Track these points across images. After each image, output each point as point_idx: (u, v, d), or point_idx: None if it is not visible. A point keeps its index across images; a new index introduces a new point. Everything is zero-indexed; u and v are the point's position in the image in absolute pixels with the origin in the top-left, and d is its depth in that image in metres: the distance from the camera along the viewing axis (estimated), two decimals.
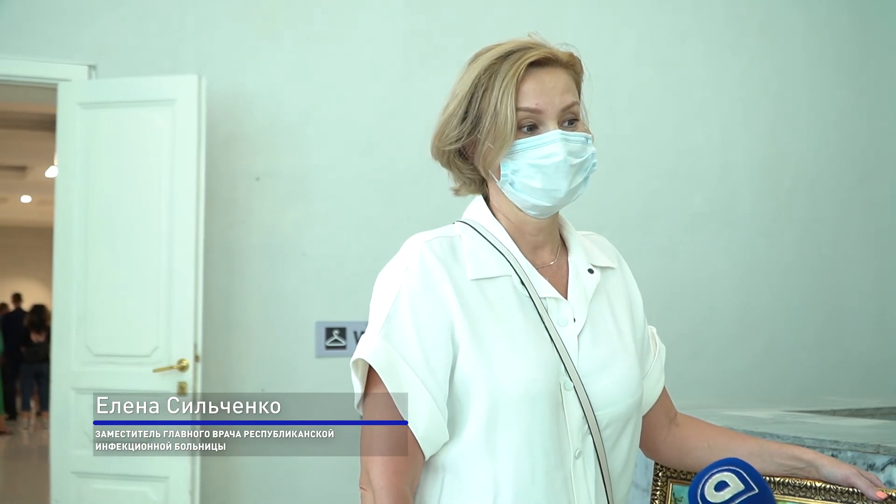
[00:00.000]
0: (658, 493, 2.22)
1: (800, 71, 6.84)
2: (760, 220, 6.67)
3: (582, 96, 2.05)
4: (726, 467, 1.86)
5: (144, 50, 5.71)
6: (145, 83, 5.45)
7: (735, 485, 1.82)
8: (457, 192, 2.12)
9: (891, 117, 6.99)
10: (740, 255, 6.61)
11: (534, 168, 1.92)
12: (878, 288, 6.82)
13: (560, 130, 1.92)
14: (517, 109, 1.91)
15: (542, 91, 1.93)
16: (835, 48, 6.93)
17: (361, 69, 6.03)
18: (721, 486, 1.83)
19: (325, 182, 5.90)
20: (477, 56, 1.99)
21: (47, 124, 8.09)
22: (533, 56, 1.93)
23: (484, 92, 1.93)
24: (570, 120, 1.96)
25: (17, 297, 17.99)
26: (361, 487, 1.89)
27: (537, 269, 2.01)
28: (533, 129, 1.93)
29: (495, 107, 1.91)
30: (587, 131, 2.00)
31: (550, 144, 1.92)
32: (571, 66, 2.00)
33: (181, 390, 5.27)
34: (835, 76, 6.91)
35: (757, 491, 1.82)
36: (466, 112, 1.96)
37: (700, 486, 1.86)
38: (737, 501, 1.81)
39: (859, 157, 6.91)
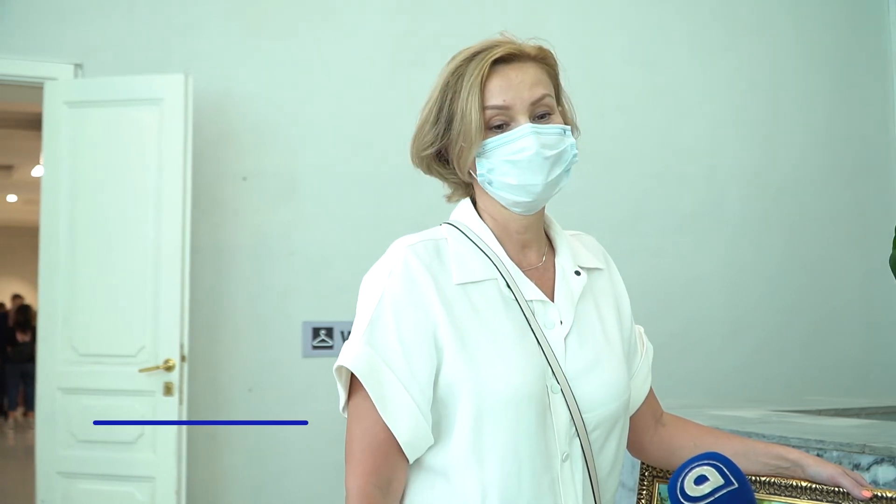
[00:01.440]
0: (644, 492, 2.22)
1: (787, 72, 6.85)
2: (749, 221, 6.68)
3: (562, 89, 2.05)
4: (706, 461, 1.86)
5: (131, 49, 5.70)
6: (132, 82, 5.44)
7: (715, 479, 1.82)
8: (449, 198, 2.12)
9: (878, 119, 7.01)
10: (729, 255, 6.62)
11: (508, 164, 1.92)
12: (866, 288, 6.84)
13: (531, 124, 1.92)
14: (484, 108, 1.91)
15: (508, 87, 1.92)
16: (822, 50, 6.95)
17: (349, 69, 6.02)
18: (701, 479, 1.83)
19: (312, 182, 5.90)
20: (452, 58, 1.99)
21: (33, 123, 8.06)
22: (497, 53, 1.93)
23: (453, 94, 1.93)
24: (542, 114, 1.95)
25: (16, 298, 17.96)
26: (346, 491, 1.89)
27: (524, 271, 2.00)
28: (504, 126, 1.93)
29: (463, 108, 1.91)
30: (566, 122, 2.00)
31: (521, 139, 1.91)
32: (542, 60, 1.99)
33: (167, 390, 5.27)
34: (823, 78, 6.93)
35: (736, 485, 1.82)
36: (438, 116, 1.96)
37: (680, 480, 1.85)
38: (716, 495, 1.81)
39: (847, 158, 6.92)
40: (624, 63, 6.54)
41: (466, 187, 2.07)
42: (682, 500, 1.83)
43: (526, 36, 2.01)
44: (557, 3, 6.45)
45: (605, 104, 6.41)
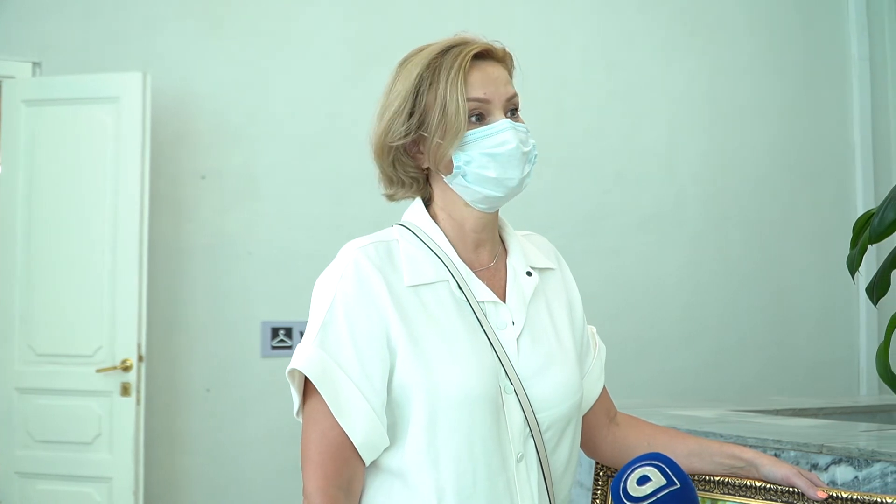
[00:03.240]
0: (599, 492, 2.22)
1: (747, 74, 6.88)
2: (708, 221, 6.71)
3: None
4: (648, 462, 1.86)
5: (90, 47, 5.66)
6: (90, 81, 5.41)
7: (657, 479, 1.82)
8: (391, 197, 2.10)
9: (835, 118, 7.05)
10: (688, 256, 6.64)
11: (487, 157, 1.93)
12: (823, 288, 6.87)
13: (508, 119, 1.94)
14: (467, 100, 1.92)
15: (488, 81, 1.94)
16: (780, 49, 6.98)
17: (308, 69, 6.01)
18: (643, 480, 1.83)
19: (271, 181, 5.88)
20: (408, 58, 1.99)
21: None
22: (476, 48, 1.95)
23: (429, 86, 1.93)
24: (513, 110, 1.98)
25: None
26: (304, 496, 1.89)
27: (475, 272, 2.00)
28: (482, 119, 1.94)
29: (444, 99, 1.91)
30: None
31: (502, 133, 1.93)
32: (504, 61, 2.01)
33: (125, 391, 5.24)
34: (780, 77, 6.96)
35: (679, 486, 1.82)
36: (413, 109, 1.95)
37: (622, 481, 1.86)
38: (658, 496, 1.81)
39: (804, 157, 6.96)
40: (584, 64, 6.55)
41: (416, 185, 2.05)
42: (624, 500, 1.84)
43: (485, 36, 2.02)
44: (518, 3, 6.45)
45: (564, 105, 6.41)
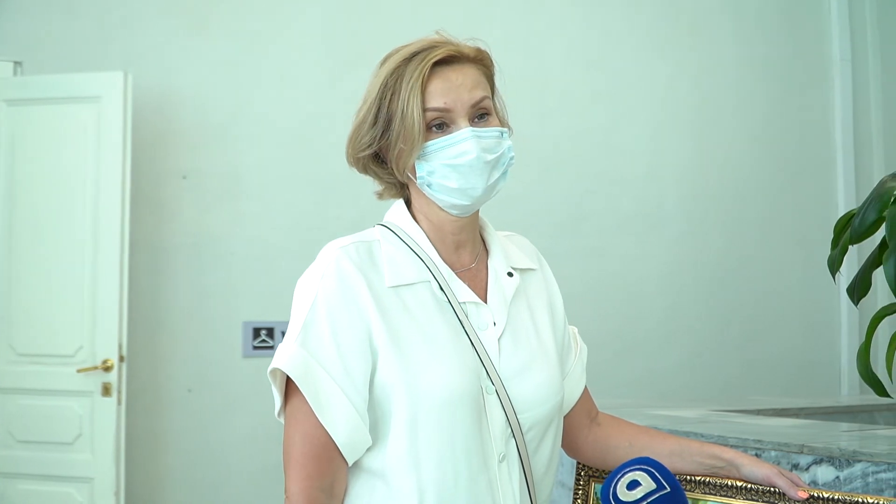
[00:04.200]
0: (580, 492, 2.22)
1: (728, 72, 6.89)
2: (688, 221, 6.71)
3: (496, 90, 2.05)
4: (638, 466, 1.86)
5: (71, 46, 5.65)
6: (71, 80, 5.39)
7: (647, 484, 1.82)
8: (380, 196, 2.10)
9: (817, 119, 7.06)
10: (668, 255, 6.64)
11: (448, 168, 1.92)
12: (804, 289, 6.88)
13: (471, 128, 1.92)
14: (425, 110, 1.91)
15: (449, 89, 1.92)
16: (762, 50, 6.98)
17: (290, 68, 6.00)
18: (633, 484, 1.83)
19: (253, 181, 5.87)
20: (386, 58, 1.98)
21: None
22: (438, 55, 1.92)
23: (392, 95, 1.92)
24: (481, 115, 1.95)
25: None
26: (286, 496, 1.88)
27: (456, 273, 2.00)
28: (443, 127, 1.93)
29: (403, 109, 1.90)
30: (502, 125, 2.00)
31: (462, 143, 1.91)
32: (480, 61, 2.00)
33: (106, 391, 5.22)
34: (762, 78, 6.96)
35: (669, 490, 1.82)
36: (377, 116, 1.95)
37: (612, 485, 1.86)
38: (649, 500, 1.81)
39: (786, 158, 6.96)
40: (565, 64, 6.54)
41: (401, 187, 2.06)
42: None
43: (467, 36, 2.01)
44: (499, 4, 6.44)
45: (546, 105, 6.41)
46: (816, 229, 6.59)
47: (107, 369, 5.22)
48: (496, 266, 2.06)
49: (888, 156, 6.98)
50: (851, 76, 7.07)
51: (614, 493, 1.83)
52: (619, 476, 1.86)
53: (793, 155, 6.98)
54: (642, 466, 1.85)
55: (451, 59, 1.95)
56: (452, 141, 1.92)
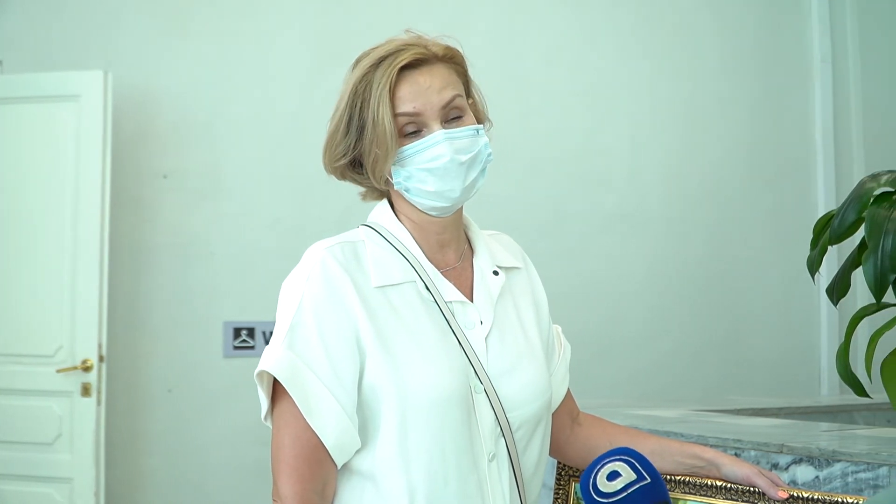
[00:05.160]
0: (561, 492, 2.22)
1: (709, 73, 6.90)
2: (669, 221, 6.72)
3: (473, 83, 2.04)
4: (618, 457, 1.85)
5: (51, 45, 5.63)
6: (50, 79, 5.38)
7: (627, 474, 1.81)
8: (364, 197, 2.10)
9: (798, 120, 7.07)
10: (649, 255, 6.65)
11: (424, 172, 1.92)
12: (784, 289, 6.90)
13: (444, 130, 1.91)
14: (396, 116, 1.90)
15: (418, 93, 1.91)
16: (743, 52, 7.00)
17: (271, 67, 5.99)
18: (613, 475, 1.82)
19: (234, 180, 5.85)
20: (356, 63, 1.98)
21: None
22: (404, 59, 1.91)
23: (362, 103, 1.91)
24: (454, 116, 1.95)
25: None
26: (274, 500, 1.87)
27: (442, 272, 2.00)
28: (417, 132, 1.92)
29: (374, 117, 1.89)
30: (479, 120, 2.00)
31: (435, 147, 1.91)
32: (450, 59, 1.99)
33: (85, 391, 5.20)
34: (743, 79, 6.98)
35: (649, 480, 1.81)
36: (349, 125, 1.94)
37: (592, 476, 1.85)
38: (629, 491, 1.80)
39: (767, 159, 6.98)
40: (547, 64, 6.55)
41: (377, 191, 2.06)
42: (594, 496, 1.82)
43: (447, 34, 2.00)
44: (480, 5, 6.44)
45: (528, 105, 6.41)
46: (796, 230, 6.60)
47: (86, 369, 5.20)
48: (481, 265, 2.06)
49: (868, 157, 7.00)
50: (832, 77, 7.09)
51: (594, 485, 1.82)
52: (598, 467, 1.85)
53: (773, 155, 7.00)
54: (622, 457, 1.84)
55: (419, 61, 1.94)
56: (426, 145, 1.91)
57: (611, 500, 1.80)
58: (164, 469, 5.70)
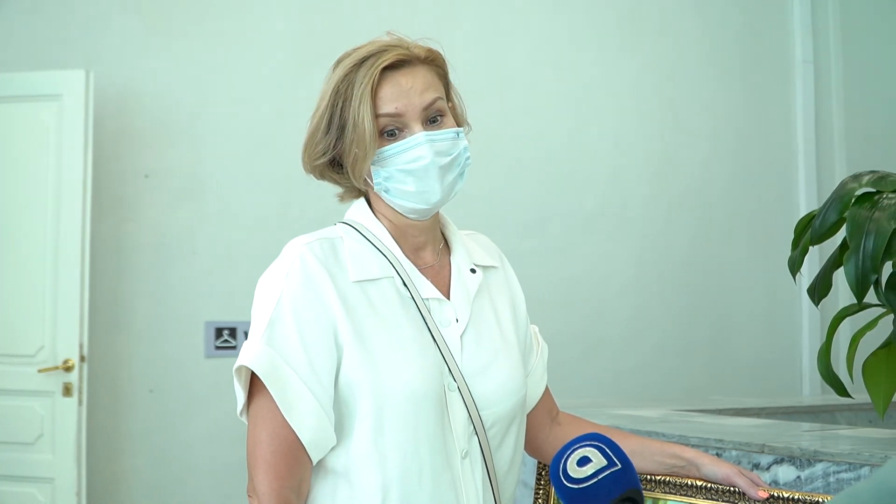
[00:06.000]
0: (541, 491, 2.22)
1: (692, 74, 6.91)
2: (652, 222, 6.73)
3: (452, 86, 2.05)
4: (588, 442, 1.83)
5: (33, 45, 5.61)
6: (31, 78, 5.37)
7: (598, 460, 1.80)
8: (341, 198, 2.10)
9: (779, 120, 7.09)
10: (632, 256, 6.66)
11: (404, 173, 1.92)
12: (766, 289, 6.91)
13: (425, 132, 1.92)
14: (377, 116, 1.91)
15: (399, 94, 1.92)
16: (725, 52, 7.01)
17: (253, 67, 5.97)
18: (583, 461, 1.80)
19: (216, 180, 5.84)
20: (338, 63, 1.98)
21: None
22: (387, 60, 1.92)
23: (343, 102, 1.92)
24: (434, 117, 1.95)
25: None
26: (249, 495, 1.87)
27: (419, 269, 2.00)
28: (397, 133, 1.93)
29: (355, 117, 1.90)
30: (458, 124, 2.01)
31: (416, 148, 1.91)
32: (432, 61, 1.99)
33: (67, 391, 5.19)
34: (727, 80, 6.99)
35: (620, 466, 1.80)
36: (330, 124, 1.95)
37: (562, 462, 1.83)
38: (599, 477, 1.79)
39: (748, 159, 6.99)
40: (530, 64, 6.55)
41: (356, 191, 2.06)
42: (564, 482, 1.81)
43: (430, 35, 2.00)
44: (465, 5, 6.44)
45: (511, 105, 6.41)
46: (778, 230, 6.62)
47: (68, 369, 5.19)
48: (459, 263, 2.06)
49: (849, 157, 7.02)
50: (814, 78, 7.11)
51: (564, 470, 1.81)
52: (568, 452, 1.83)
53: (755, 156, 7.01)
54: (592, 442, 1.83)
55: (401, 62, 1.94)
56: (406, 146, 1.92)
57: (581, 485, 1.78)
58: (145, 469, 5.68)
